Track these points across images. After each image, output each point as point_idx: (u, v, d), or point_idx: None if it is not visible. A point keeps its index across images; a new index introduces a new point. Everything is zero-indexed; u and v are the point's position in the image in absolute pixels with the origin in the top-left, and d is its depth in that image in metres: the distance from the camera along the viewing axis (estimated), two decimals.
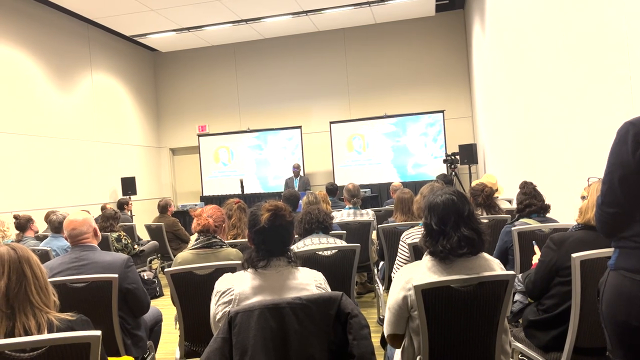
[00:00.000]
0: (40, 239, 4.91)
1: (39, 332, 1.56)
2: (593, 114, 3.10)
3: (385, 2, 9.25)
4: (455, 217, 1.89)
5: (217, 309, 1.75)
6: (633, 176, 1.46)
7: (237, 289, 1.75)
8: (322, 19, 9.93)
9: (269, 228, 1.79)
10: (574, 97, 3.45)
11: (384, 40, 10.58)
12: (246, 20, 9.69)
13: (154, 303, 3.63)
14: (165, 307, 4.15)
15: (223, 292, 1.76)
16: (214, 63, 11.42)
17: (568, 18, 3.45)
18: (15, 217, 5.09)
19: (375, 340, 2.66)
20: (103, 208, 6.75)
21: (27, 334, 1.55)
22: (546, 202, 3.17)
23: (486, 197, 3.91)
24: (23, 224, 4.97)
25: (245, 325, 1.57)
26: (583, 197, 2.23)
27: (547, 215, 3.17)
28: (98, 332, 1.50)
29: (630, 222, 1.50)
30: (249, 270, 1.81)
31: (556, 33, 3.74)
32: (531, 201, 3.11)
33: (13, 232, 5.31)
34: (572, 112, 3.50)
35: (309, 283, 1.79)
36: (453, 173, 8.95)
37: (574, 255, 2.04)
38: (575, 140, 3.47)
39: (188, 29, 9.90)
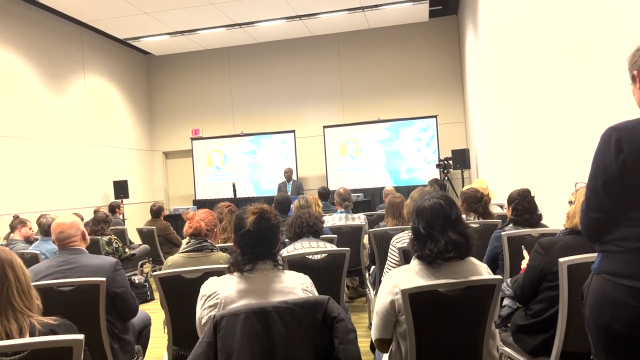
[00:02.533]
0: (31, 242, 4.88)
1: (21, 335, 1.54)
2: (587, 117, 3.12)
3: (379, 8, 9.29)
4: (443, 221, 1.89)
5: (202, 312, 1.74)
6: (616, 181, 1.47)
7: (222, 292, 1.74)
8: (316, 23, 9.95)
9: (255, 231, 1.78)
10: (568, 100, 3.46)
11: (377, 45, 10.62)
12: (240, 24, 9.70)
13: (144, 307, 3.61)
14: (155, 311, 4.11)
15: (209, 296, 1.75)
16: (207, 67, 11.41)
17: (559, 22, 3.47)
18: (14, 216, 5.12)
19: (365, 345, 2.66)
20: (96, 211, 6.71)
21: (8, 337, 1.53)
22: (540, 209, 3.16)
23: (484, 206, 3.90)
24: (14, 225, 4.97)
25: (230, 329, 1.56)
26: (570, 202, 2.24)
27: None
28: (80, 336, 1.49)
29: (613, 226, 1.51)
30: (234, 274, 1.80)
31: (547, 37, 3.76)
32: (531, 217, 3.09)
33: (1, 235, 5.32)
34: (567, 115, 3.51)
35: (295, 286, 1.78)
36: (446, 178, 8.97)
37: (561, 259, 2.04)
38: (569, 143, 3.48)
39: (182, 32, 9.89)
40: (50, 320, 1.62)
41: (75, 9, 8.44)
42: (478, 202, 3.90)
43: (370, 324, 4.16)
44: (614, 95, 2.62)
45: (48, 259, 3.28)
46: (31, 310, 1.61)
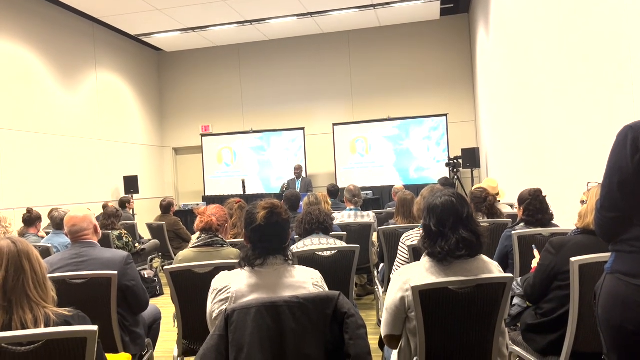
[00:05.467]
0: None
1: (36, 326, 1.57)
2: (595, 117, 3.10)
3: (390, 5, 9.26)
4: (454, 218, 1.89)
5: (213, 306, 1.76)
6: (631, 180, 1.46)
7: (233, 287, 1.75)
8: (327, 21, 9.94)
9: (266, 225, 1.79)
10: (576, 100, 3.44)
11: (388, 43, 10.59)
12: (251, 21, 9.71)
13: (154, 302, 3.63)
14: (164, 306, 4.15)
15: (220, 290, 1.76)
16: (218, 63, 11.45)
17: (572, 21, 3.45)
18: (28, 210, 5.05)
19: (374, 342, 2.67)
20: (105, 206, 6.77)
21: (24, 327, 1.55)
22: (551, 209, 3.14)
23: (490, 206, 3.88)
24: (32, 220, 4.95)
25: (241, 323, 1.57)
26: (582, 202, 2.23)
27: None
28: (94, 327, 1.51)
29: (628, 226, 1.50)
30: (245, 268, 1.81)
31: (560, 36, 3.74)
32: (544, 217, 3.07)
33: (15, 228, 5.31)
34: (575, 115, 3.49)
35: (306, 281, 1.79)
36: (455, 177, 8.94)
37: (572, 259, 2.03)
38: (578, 142, 3.46)
39: (193, 29, 9.92)
40: (64, 311, 1.64)
41: (88, 5, 8.50)
42: (483, 202, 3.88)
43: (379, 322, 4.17)
44: (626, 93, 2.59)
45: (60, 251, 3.32)
46: (46, 301, 1.63)
